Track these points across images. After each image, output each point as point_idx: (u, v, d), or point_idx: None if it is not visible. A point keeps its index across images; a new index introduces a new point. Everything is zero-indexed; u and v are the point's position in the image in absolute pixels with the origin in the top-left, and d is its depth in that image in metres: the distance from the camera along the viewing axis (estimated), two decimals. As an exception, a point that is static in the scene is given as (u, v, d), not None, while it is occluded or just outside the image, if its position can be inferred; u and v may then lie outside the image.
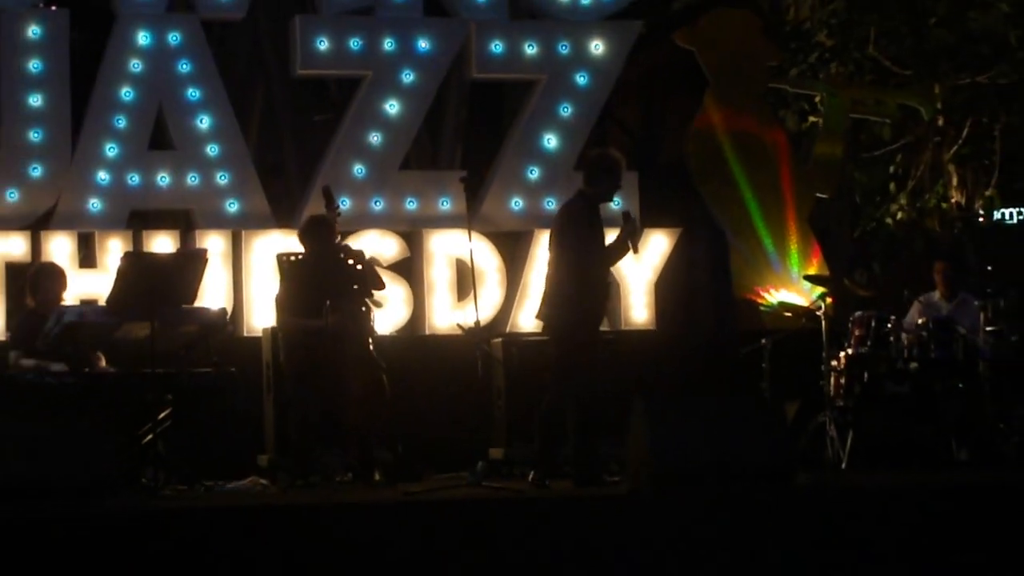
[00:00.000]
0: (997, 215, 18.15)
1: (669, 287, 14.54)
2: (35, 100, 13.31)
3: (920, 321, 13.52)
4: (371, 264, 12.25)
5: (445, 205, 14.05)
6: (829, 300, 13.56)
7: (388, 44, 13.94)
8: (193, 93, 13.59)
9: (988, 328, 13.54)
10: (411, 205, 14.15)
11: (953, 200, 17.47)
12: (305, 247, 12.18)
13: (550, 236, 11.69)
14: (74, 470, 10.61)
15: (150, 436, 11.65)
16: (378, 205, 13.98)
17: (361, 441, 11.91)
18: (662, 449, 11.04)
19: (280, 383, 12.23)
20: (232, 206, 13.65)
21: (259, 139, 15.43)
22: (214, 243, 13.26)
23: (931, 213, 17.47)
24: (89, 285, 12.77)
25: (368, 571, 10.15)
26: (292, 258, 12.33)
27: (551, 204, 14.11)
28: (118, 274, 12.06)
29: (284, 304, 12.14)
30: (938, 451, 12.99)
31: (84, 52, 13.93)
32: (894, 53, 17.30)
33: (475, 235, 12.91)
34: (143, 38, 13.50)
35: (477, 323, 12.57)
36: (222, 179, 13.64)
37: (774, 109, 16.64)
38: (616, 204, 12.25)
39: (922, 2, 17.18)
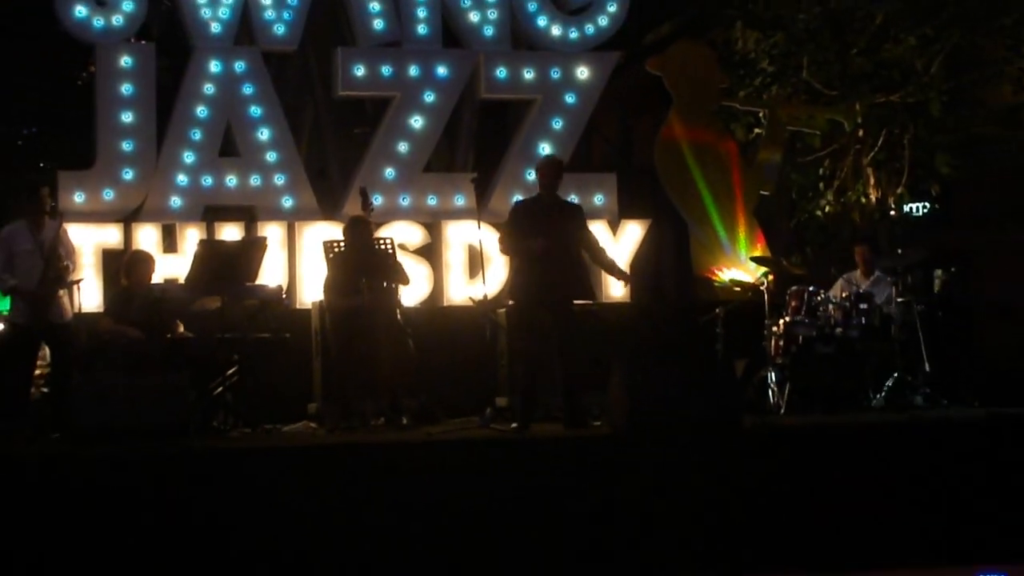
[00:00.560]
0: (906, 208, 18.15)
1: (641, 267, 14.51)
2: (127, 117, 13.29)
3: (844, 294, 13.53)
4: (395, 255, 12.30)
5: (459, 201, 14.03)
6: (771, 277, 13.53)
7: (413, 70, 13.91)
8: (255, 111, 13.57)
9: (899, 300, 13.56)
10: (432, 201, 14.12)
11: (871, 196, 17.43)
12: (346, 239, 12.17)
13: None
14: (160, 416, 10.64)
15: (220, 389, 11.68)
16: (405, 201, 13.97)
17: (391, 392, 11.92)
18: (637, 398, 11.05)
19: (326, 346, 12.22)
20: (287, 202, 13.63)
21: (308, 148, 15.40)
22: (272, 232, 13.24)
23: (853, 207, 17.43)
24: (171, 267, 12.76)
25: (397, 496, 10.19)
26: (335, 247, 12.27)
27: (547, 201, 14.10)
28: (194, 258, 12.09)
29: (329, 286, 12.16)
30: (858, 399, 12.98)
31: (166, 78, 13.88)
32: (823, 78, 17.25)
33: (484, 225, 12.82)
34: (214, 66, 13.48)
35: (485, 297, 12.63)
36: (279, 180, 13.63)
37: (726, 123, 16.59)
38: (573, 198, 12.37)
39: (846, 36, 17.15)
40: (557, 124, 14.34)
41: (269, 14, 13.68)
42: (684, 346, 13.23)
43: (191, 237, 13.05)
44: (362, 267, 11.95)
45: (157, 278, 12.38)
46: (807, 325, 13.13)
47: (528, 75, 14.30)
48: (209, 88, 13.48)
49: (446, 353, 12.65)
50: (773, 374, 12.91)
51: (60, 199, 13.02)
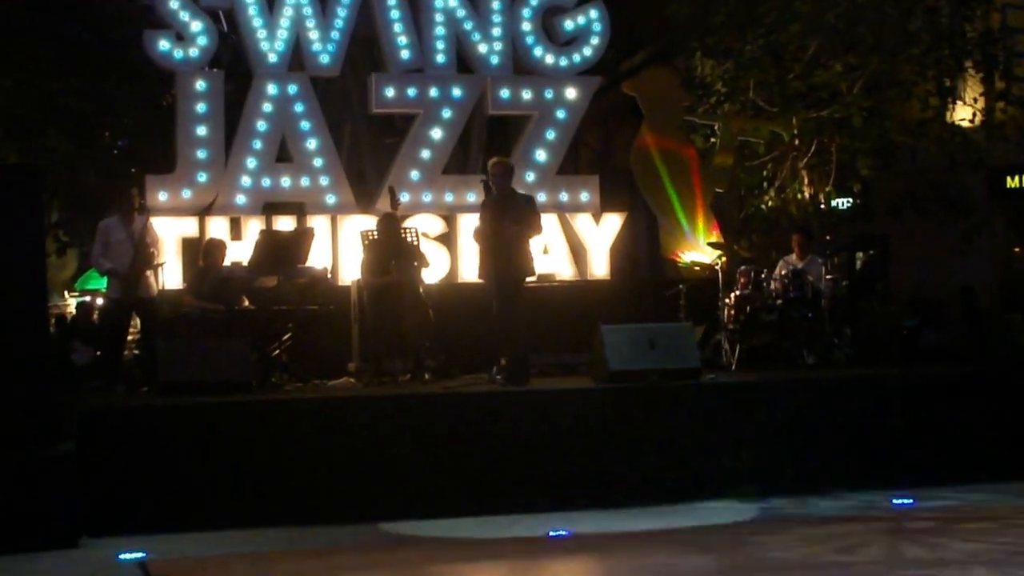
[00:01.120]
0: (833, 203, 18.10)
1: (619, 250, 14.45)
2: (201, 131, 13.22)
3: (783, 273, 13.45)
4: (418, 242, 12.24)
5: (471, 197, 13.90)
6: (724, 259, 13.47)
7: (433, 92, 13.83)
8: (304, 125, 13.49)
9: (827, 277, 13.48)
10: (449, 197, 14.02)
11: (805, 193, 17.40)
12: (379, 230, 12.12)
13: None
14: (228, 374, 10.62)
15: (277, 351, 11.65)
16: (427, 197, 13.88)
17: (415, 353, 11.86)
18: (614, 357, 11.05)
19: (362, 316, 12.16)
20: (330, 199, 13.55)
21: (348, 155, 15.31)
22: (319, 223, 13.16)
23: (790, 202, 17.38)
24: (237, 252, 12.67)
25: (421, 435, 10.26)
26: (370, 235, 12.21)
27: (542, 197, 13.98)
28: (256, 245, 12.07)
29: (365, 267, 12.10)
30: (794, 358, 12.93)
31: (233, 98, 13.80)
32: (765, 97, 17.16)
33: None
34: (271, 89, 13.40)
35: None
36: (324, 181, 13.55)
37: (687, 134, 16.49)
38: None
39: (784, 63, 17.13)
40: (550, 135, 14.24)
41: (316, 47, 13.59)
42: (653, 315, 13.13)
43: (253, 228, 12.99)
44: (391, 252, 11.92)
45: (226, 261, 12.32)
46: (753, 298, 13.09)
47: (526, 95, 14.21)
48: (267, 107, 13.40)
49: (460, 321, 12.56)
50: (725, 337, 12.85)
51: (147, 197, 12.99)
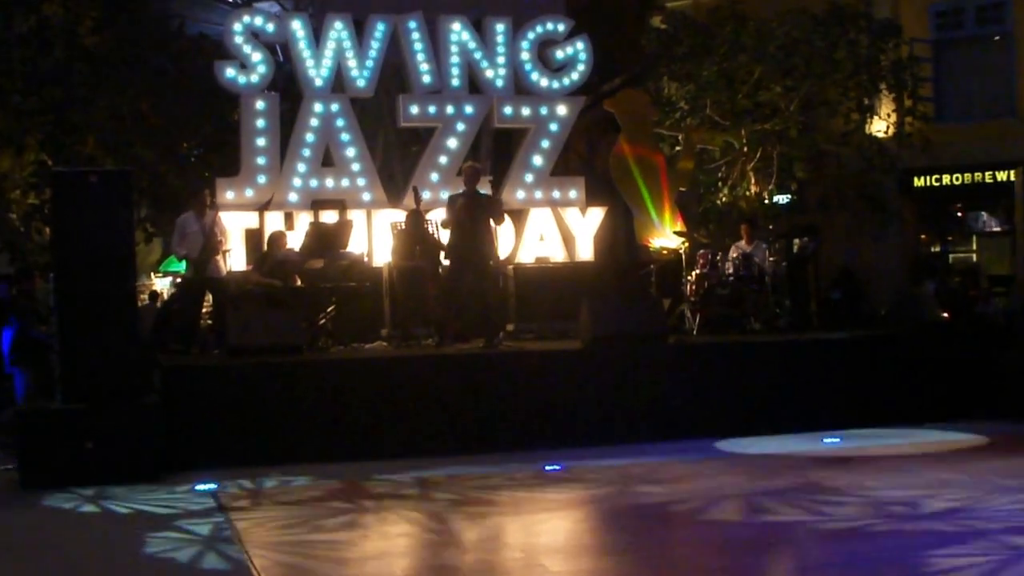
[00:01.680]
0: (775, 199, 18.11)
1: (602, 237, 14.32)
2: (261, 142, 13.08)
3: (734, 255, 13.38)
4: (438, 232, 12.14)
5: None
6: (686, 245, 13.37)
7: (449, 109, 13.67)
8: (344, 137, 13.34)
9: (770, 259, 13.49)
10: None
11: (752, 191, 17.40)
12: (406, 223, 12.02)
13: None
14: (283, 339, 10.52)
15: (323, 320, 11.56)
16: (444, 195, 13.58)
17: (436, 322, 11.74)
18: (597, 323, 10.98)
19: (392, 292, 12.08)
20: (366, 196, 13.40)
21: (381, 161, 15.18)
22: (357, 216, 13.02)
23: (740, 198, 17.42)
24: (290, 240, 12.52)
25: (441, 388, 10.20)
26: (398, 227, 12.14)
27: (538, 195, 13.96)
28: (306, 234, 12.00)
29: (394, 253, 12.04)
30: (743, 324, 12.85)
31: (286, 115, 13.66)
32: (720, 113, 17.14)
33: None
34: (318, 107, 13.26)
35: (498, 257, 12.46)
36: (360, 182, 13.40)
37: (656, 143, 16.33)
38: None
39: (734, 86, 17.13)
40: (545, 144, 14.08)
41: (354, 73, 13.43)
42: (629, 289, 13.06)
43: (303, 220, 12.83)
44: (416, 240, 11.82)
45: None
46: (710, 276, 12.99)
47: (525, 111, 14.04)
48: (314, 122, 13.24)
49: (473, 296, 12.48)
50: (688, 308, 12.76)
51: (217, 196, 12.84)
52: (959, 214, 22.64)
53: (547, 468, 9.13)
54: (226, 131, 15.76)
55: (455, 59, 13.80)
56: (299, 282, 11.75)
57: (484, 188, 11.57)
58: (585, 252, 13.95)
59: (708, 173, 17.66)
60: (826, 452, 9.92)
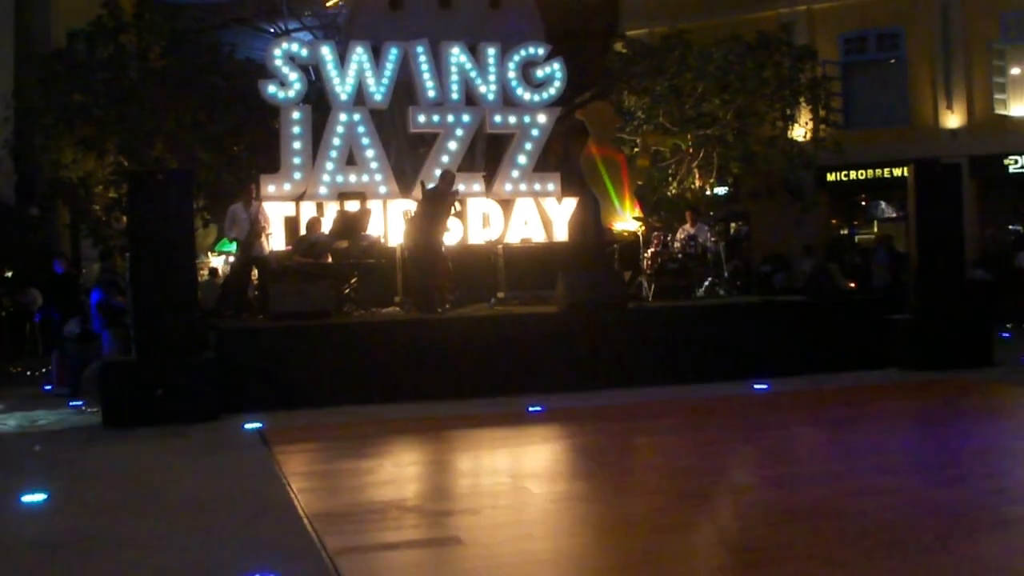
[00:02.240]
0: (715, 191, 18.07)
1: (575, 222, 14.19)
2: (296, 145, 12.93)
3: (681, 237, 13.30)
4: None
5: (476, 187, 13.67)
6: (643, 228, 13.31)
7: (450, 118, 13.52)
8: (365, 141, 13.18)
9: (711, 239, 13.41)
10: (461, 187, 13.64)
11: (696, 185, 17.35)
12: (416, 211, 11.90)
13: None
14: (316, 305, 10.42)
15: (348, 290, 11.46)
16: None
17: (440, 291, 11.64)
18: (571, 292, 10.90)
19: (405, 267, 11.97)
20: (382, 189, 13.25)
21: (395, 160, 14.96)
22: (375, 205, 12.89)
23: (686, 190, 17.37)
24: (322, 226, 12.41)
25: (446, 345, 10.12)
26: (409, 214, 12.04)
27: (523, 187, 13.84)
28: (334, 220, 11.86)
29: (407, 235, 11.88)
30: (689, 293, 12.81)
31: (317, 123, 13.47)
32: (670, 120, 17.09)
33: (490, 200, 12.60)
34: (343, 117, 13.10)
35: (490, 240, 12.34)
36: (378, 177, 13.25)
37: (619, 146, 16.24)
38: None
39: (682, 98, 17.10)
40: (528, 146, 13.94)
41: (372, 89, 13.25)
42: (597, 264, 12.99)
43: (331, 208, 12.70)
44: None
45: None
46: (663, 253, 12.93)
47: (512, 120, 13.88)
48: (340, 129, 13.08)
49: (469, 270, 12.40)
50: (644, 279, 12.70)
51: (261, 189, 12.70)
52: (863, 203, 22.75)
53: (530, 409, 9.07)
54: (269, 136, 15.57)
55: (455, 77, 13.65)
56: (329, 259, 11.64)
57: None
58: (561, 234, 13.83)
59: (660, 170, 17.60)
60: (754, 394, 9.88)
